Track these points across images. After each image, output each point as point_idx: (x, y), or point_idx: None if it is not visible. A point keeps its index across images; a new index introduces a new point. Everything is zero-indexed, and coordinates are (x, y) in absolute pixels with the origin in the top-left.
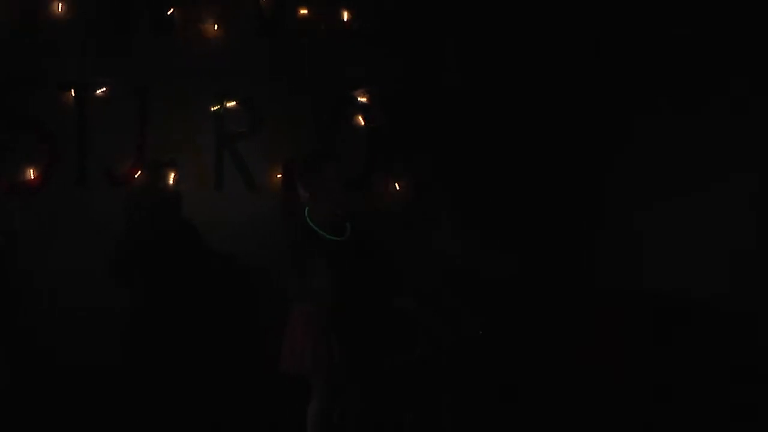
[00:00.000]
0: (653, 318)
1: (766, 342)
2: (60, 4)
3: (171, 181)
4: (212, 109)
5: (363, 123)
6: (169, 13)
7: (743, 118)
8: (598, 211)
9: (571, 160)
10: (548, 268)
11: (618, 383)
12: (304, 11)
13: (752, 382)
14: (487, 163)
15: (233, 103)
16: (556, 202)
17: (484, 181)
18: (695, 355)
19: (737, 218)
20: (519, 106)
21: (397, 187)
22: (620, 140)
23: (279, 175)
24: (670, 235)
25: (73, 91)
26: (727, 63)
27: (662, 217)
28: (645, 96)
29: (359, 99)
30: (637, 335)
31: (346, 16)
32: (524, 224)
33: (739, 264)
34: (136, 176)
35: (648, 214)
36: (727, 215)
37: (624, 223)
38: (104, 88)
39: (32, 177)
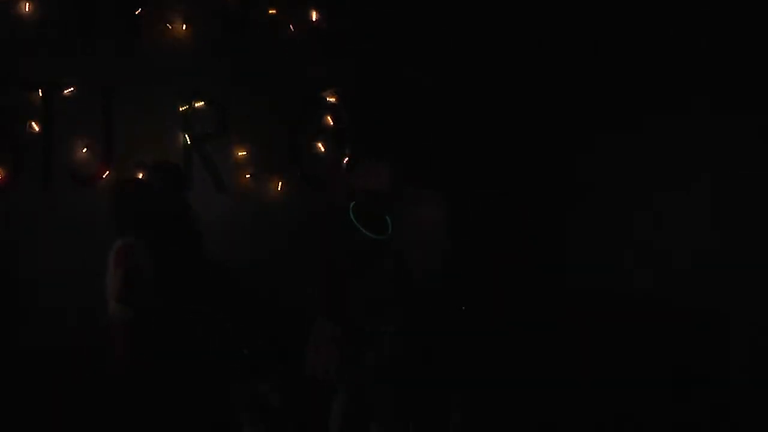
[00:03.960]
0: (622, 318)
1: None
2: (27, 5)
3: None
4: (180, 109)
5: (331, 123)
6: (136, 13)
7: (699, 120)
8: (568, 213)
9: (542, 161)
10: (520, 267)
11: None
12: (272, 11)
13: (721, 380)
14: (458, 162)
15: (201, 103)
16: (527, 202)
17: (453, 180)
18: (665, 353)
19: (703, 218)
20: (490, 105)
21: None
22: (589, 142)
23: (248, 175)
24: (638, 236)
25: (40, 91)
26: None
27: (632, 219)
28: (616, 98)
29: (328, 99)
30: (606, 335)
31: (314, 16)
32: (495, 223)
33: (705, 263)
34: (102, 177)
35: (617, 217)
36: (693, 216)
37: (593, 225)
38: (71, 89)
39: None
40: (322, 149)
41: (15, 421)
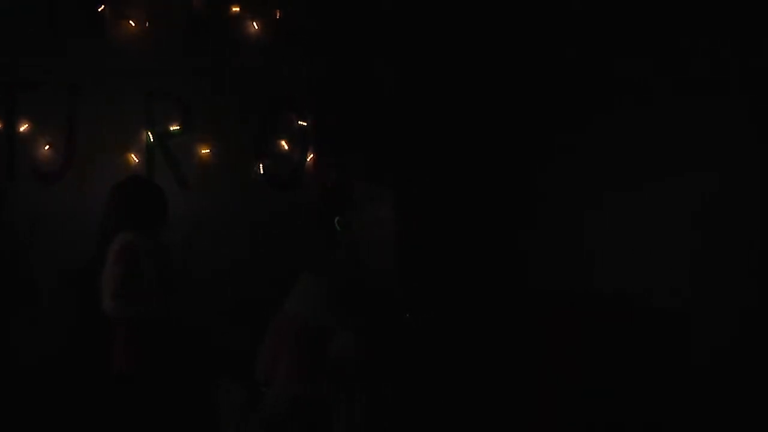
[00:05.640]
0: (589, 319)
1: (706, 342)
2: None
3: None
4: (143, 107)
5: (295, 120)
6: (99, 10)
7: (691, 116)
8: (533, 211)
9: (505, 157)
10: (481, 268)
11: (558, 385)
12: (236, 9)
13: (691, 381)
14: (420, 161)
15: (164, 101)
16: (490, 200)
17: (416, 180)
18: (635, 356)
19: (679, 218)
20: (451, 103)
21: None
22: (557, 138)
23: (211, 173)
24: (608, 235)
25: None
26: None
27: (601, 217)
28: (584, 90)
29: (291, 97)
30: (573, 337)
31: (278, 14)
32: (458, 223)
33: (678, 264)
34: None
35: (586, 214)
36: (667, 214)
37: (561, 223)
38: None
39: None
40: (286, 147)
41: (14, 421)
